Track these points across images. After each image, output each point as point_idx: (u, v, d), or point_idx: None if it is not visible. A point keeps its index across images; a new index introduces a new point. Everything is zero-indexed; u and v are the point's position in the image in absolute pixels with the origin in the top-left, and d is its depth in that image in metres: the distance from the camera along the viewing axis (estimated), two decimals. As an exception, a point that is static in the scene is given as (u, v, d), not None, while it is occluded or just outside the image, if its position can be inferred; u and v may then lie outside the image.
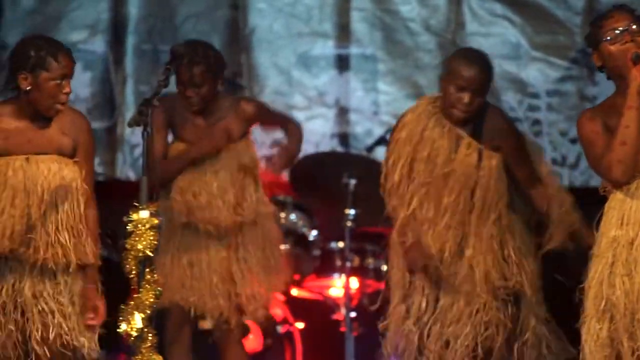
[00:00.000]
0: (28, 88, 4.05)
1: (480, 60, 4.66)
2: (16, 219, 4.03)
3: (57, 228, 4.04)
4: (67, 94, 4.08)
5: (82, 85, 7.62)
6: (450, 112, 4.56)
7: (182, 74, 5.08)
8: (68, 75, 4.08)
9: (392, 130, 4.85)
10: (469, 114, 4.55)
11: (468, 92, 4.51)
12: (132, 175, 7.51)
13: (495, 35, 7.38)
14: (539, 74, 7.36)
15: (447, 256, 4.58)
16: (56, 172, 4.07)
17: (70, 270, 4.09)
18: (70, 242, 4.05)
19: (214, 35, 7.54)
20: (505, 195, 4.62)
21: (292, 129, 5.66)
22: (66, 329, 4.06)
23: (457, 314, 4.56)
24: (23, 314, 4.09)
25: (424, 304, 4.61)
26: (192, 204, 5.18)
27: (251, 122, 5.41)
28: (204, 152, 5.21)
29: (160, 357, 3.54)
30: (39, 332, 4.04)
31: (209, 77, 5.14)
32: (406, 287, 4.70)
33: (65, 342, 4.06)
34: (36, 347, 4.07)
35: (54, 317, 4.05)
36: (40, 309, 4.04)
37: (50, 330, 4.04)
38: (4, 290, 4.09)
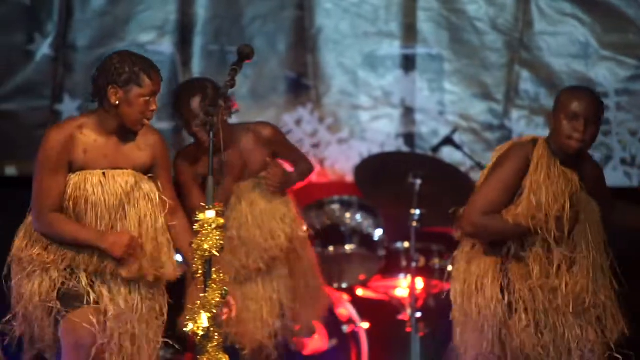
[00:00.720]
0: (117, 102, 4.08)
1: (590, 92, 4.64)
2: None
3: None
4: (153, 111, 4.13)
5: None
6: (566, 144, 4.51)
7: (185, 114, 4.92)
8: (157, 92, 4.13)
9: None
10: (584, 143, 4.51)
11: (582, 119, 4.47)
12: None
13: (564, 34, 7.31)
14: (608, 73, 7.27)
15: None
16: (133, 185, 4.10)
17: (151, 282, 4.13)
18: (151, 254, 4.09)
19: (280, 35, 7.57)
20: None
21: (304, 166, 5.38)
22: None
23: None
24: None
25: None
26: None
27: (270, 146, 5.20)
28: (227, 190, 5.08)
29: (227, 356, 3.55)
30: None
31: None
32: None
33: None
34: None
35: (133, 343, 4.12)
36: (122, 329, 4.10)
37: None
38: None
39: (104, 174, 4.11)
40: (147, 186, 4.14)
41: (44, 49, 7.66)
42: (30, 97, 7.47)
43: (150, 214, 4.09)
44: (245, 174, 5.13)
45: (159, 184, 4.20)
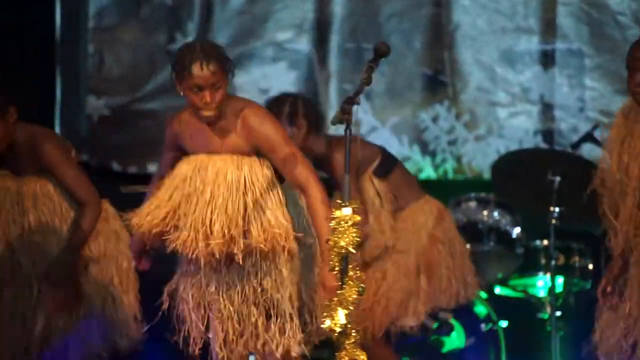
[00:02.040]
0: (181, 93, 4.10)
1: None
2: (219, 217, 4.09)
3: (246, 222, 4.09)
4: (207, 103, 4.04)
5: (287, 84, 7.76)
6: None
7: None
8: (207, 84, 4.03)
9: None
10: None
11: None
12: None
13: None
14: None
15: None
16: (220, 170, 4.11)
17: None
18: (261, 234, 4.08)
19: (416, 32, 7.56)
20: None
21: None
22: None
23: None
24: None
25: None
26: None
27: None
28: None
29: (364, 353, 3.56)
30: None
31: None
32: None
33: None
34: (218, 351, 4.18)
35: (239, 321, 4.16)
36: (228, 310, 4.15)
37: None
38: (194, 289, 4.22)
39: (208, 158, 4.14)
40: (243, 170, 4.12)
41: None
42: (171, 96, 7.63)
43: (253, 196, 4.09)
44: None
45: (266, 163, 4.16)
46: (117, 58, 7.89)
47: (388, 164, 5.54)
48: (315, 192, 4.05)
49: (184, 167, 4.19)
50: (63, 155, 4.90)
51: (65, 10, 7.90)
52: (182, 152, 4.30)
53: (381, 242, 5.44)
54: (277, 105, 5.30)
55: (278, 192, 4.16)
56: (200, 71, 4.02)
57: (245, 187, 4.10)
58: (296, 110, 5.33)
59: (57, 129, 7.71)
